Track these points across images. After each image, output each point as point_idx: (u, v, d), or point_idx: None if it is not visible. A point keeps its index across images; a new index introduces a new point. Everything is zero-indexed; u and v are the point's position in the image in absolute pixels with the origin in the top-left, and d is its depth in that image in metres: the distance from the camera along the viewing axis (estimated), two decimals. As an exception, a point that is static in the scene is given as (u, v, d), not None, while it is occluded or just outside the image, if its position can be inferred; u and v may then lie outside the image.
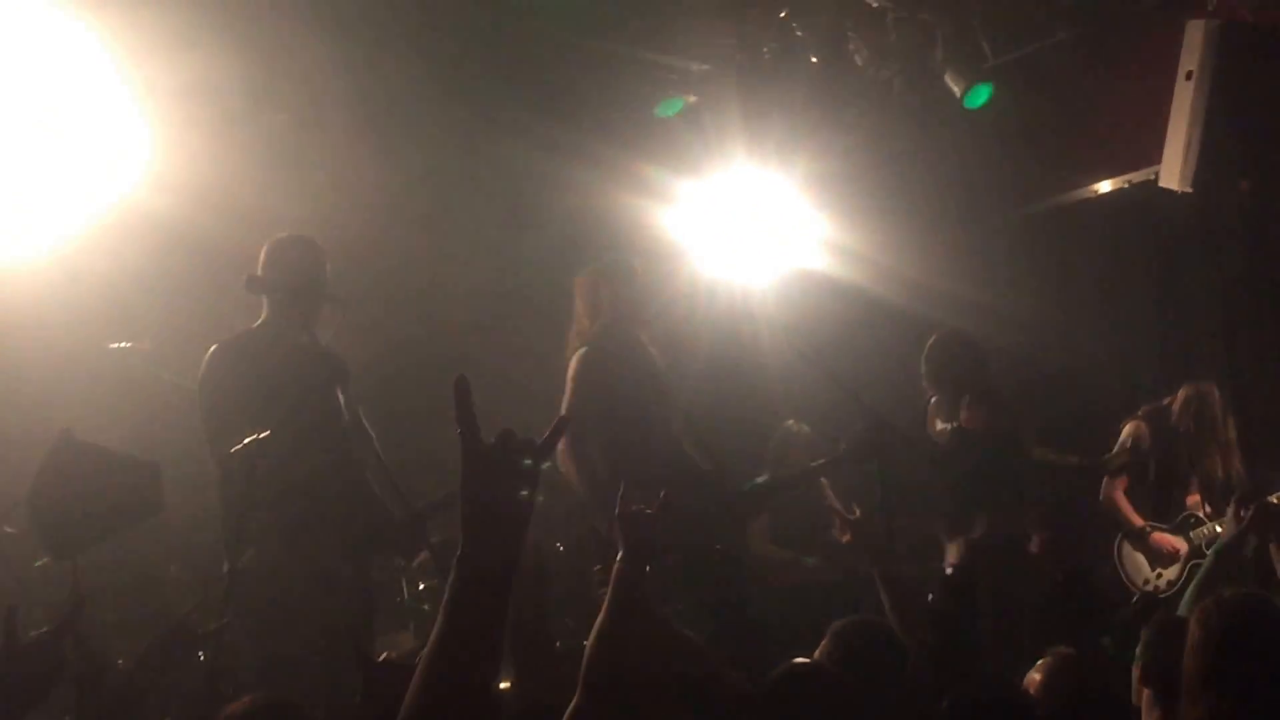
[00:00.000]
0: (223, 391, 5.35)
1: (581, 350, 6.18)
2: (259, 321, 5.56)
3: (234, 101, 6.83)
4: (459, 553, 2.09)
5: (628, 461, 5.84)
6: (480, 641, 2.08)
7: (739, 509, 6.46)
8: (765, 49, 8.41)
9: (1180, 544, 7.03)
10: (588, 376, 6.11)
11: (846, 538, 5.06)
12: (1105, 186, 8.32)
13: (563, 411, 5.95)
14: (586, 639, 3.66)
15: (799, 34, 8.16)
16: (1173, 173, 6.90)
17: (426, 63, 7.65)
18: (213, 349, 5.46)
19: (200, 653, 4.97)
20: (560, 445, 5.78)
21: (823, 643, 4.06)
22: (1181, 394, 7.14)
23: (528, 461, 2.13)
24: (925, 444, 6.88)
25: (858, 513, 5.04)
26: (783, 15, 8.10)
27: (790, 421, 8.00)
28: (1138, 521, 7.14)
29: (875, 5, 8.10)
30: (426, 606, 6.65)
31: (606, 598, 3.34)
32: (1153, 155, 7.24)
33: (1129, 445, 7.15)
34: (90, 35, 6.10)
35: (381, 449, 5.44)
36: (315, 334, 5.51)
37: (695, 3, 8.05)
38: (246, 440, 4.98)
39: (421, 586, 6.75)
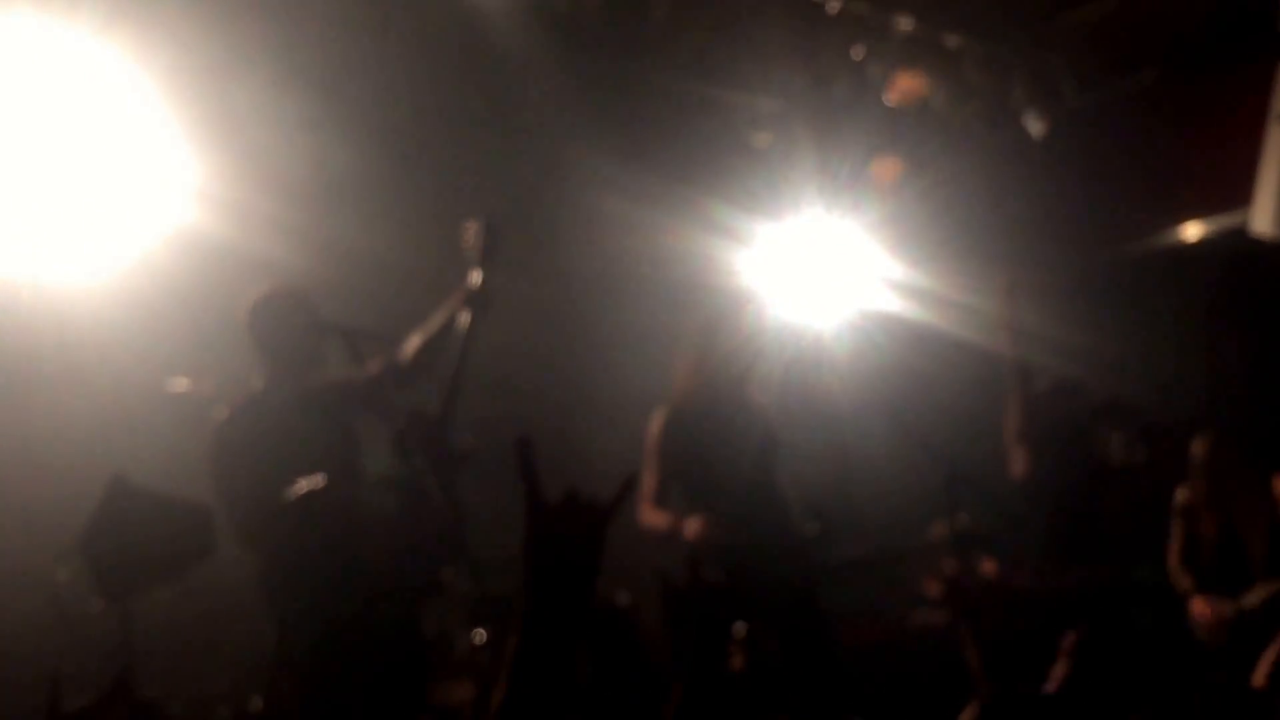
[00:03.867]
0: (237, 463, 5.14)
1: (660, 410, 6.06)
2: (263, 383, 5.37)
3: (296, 130, 6.79)
4: (523, 613, 2.03)
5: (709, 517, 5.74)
6: (546, 705, 2.00)
7: (833, 575, 6.33)
8: (838, 88, 8.30)
9: (1221, 609, 6.80)
10: (660, 440, 6.00)
11: (935, 590, 4.91)
12: (1193, 230, 8.12)
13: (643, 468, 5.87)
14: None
15: (872, 74, 8.04)
16: (1265, 217, 6.74)
17: (493, 97, 7.60)
18: (221, 421, 5.26)
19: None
20: (643, 503, 5.71)
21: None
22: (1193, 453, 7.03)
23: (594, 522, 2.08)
24: (1000, 494, 6.75)
25: (950, 570, 4.88)
26: (856, 56, 7.97)
27: None
28: (1182, 584, 6.96)
29: (952, 46, 7.96)
30: (486, 656, 6.55)
31: (685, 667, 3.23)
32: (1242, 199, 7.07)
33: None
34: (148, 65, 6.10)
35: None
36: (316, 375, 5.37)
37: (767, 40, 7.93)
38: (300, 488, 4.90)
39: (481, 639, 6.64)
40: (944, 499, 6.02)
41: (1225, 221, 7.79)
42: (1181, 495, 7.09)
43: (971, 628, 4.70)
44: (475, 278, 5.16)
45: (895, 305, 8.42)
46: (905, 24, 7.81)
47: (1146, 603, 6.80)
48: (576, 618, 2.04)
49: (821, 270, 8.36)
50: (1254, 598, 6.62)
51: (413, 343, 5.33)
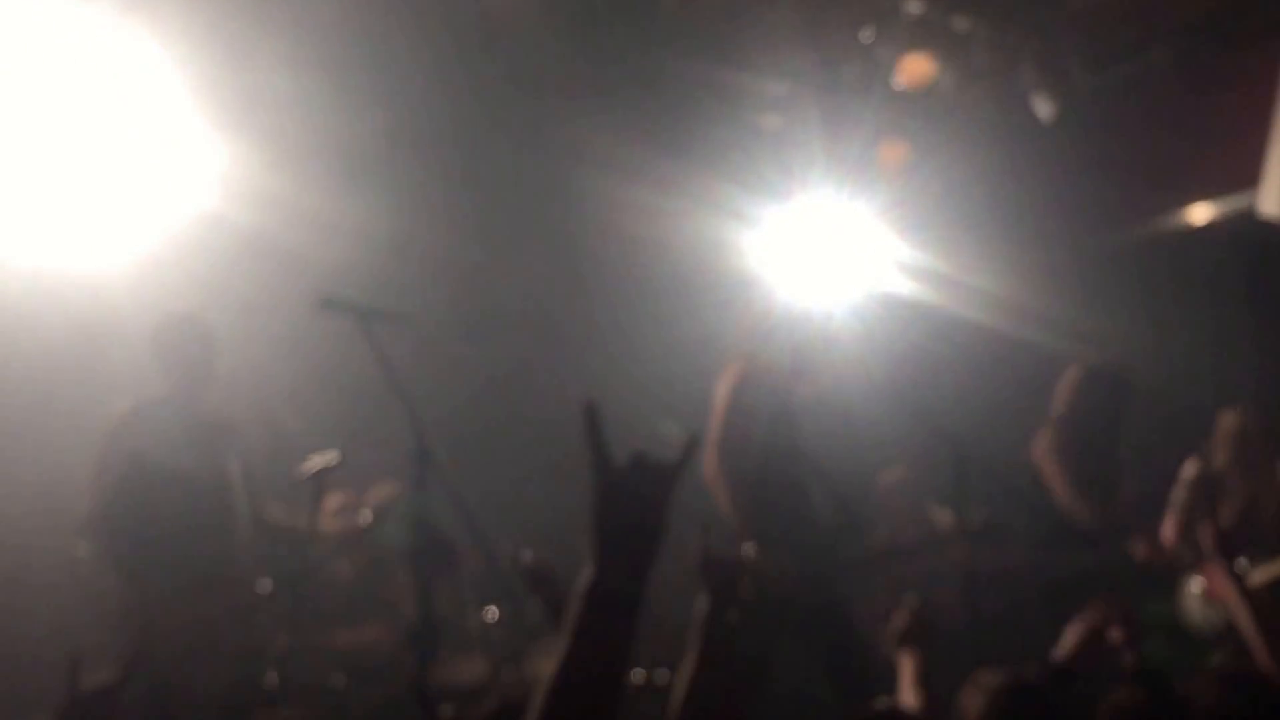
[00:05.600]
0: (120, 455, 5.55)
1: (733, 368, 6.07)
2: (164, 392, 5.75)
3: (315, 114, 6.81)
4: (590, 581, 2.02)
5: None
6: (608, 672, 2.00)
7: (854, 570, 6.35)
8: (847, 71, 8.30)
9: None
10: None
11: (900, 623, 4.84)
12: (1201, 211, 8.13)
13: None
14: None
15: (881, 57, 8.04)
16: (1272, 199, 6.74)
17: (509, 82, 7.62)
18: (123, 412, 5.66)
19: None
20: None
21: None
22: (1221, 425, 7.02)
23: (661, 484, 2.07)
24: (1010, 477, 6.75)
25: (913, 604, 4.81)
26: (865, 39, 7.97)
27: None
28: (1184, 557, 6.95)
29: (960, 29, 7.96)
30: (496, 633, 6.57)
31: (694, 649, 3.24)
32: (1250, 181, 7.08)
33: None
34: (165, 49, 6.13)
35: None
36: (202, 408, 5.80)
37: (776, 23, 7.93)
38: (315, 465, 4.98)
39: (493, 616, 6.66)
40: (954, 482, 6.03)
41: (1233, 204, 7.79)
42: (1192, 468, 7.05)
43: (926, 665, 4.63)
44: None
45: (904, 288, 8.43)
46: (914, 7, 7.82)
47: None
48: (642, 585, 2.04)
49: (830, 253, 8.36)
50: (1261, 575, 6.63)
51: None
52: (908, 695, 4.12)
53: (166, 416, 5.66)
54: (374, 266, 6.66)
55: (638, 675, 6.70)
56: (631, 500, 2.04)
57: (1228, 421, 7.04)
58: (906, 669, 4.18)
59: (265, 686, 5.48)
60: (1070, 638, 4.31)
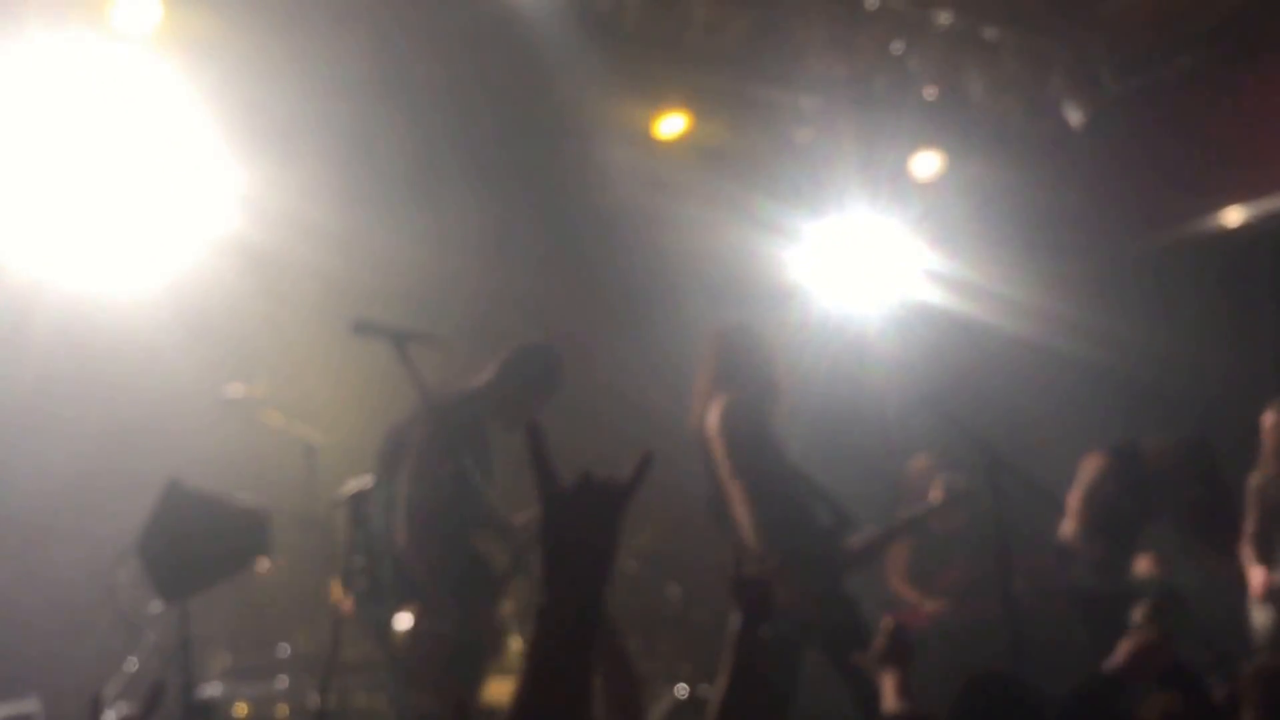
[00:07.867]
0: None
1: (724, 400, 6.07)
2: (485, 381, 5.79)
3: (342, 140, 6.88)
4: (541, 605, 1.97)
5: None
6: (566, 699, 1.94)
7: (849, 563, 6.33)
8: (879, 83, 8.31)
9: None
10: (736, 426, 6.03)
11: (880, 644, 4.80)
12: (1233, 216, 8.08)
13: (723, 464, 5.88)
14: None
15: (912, 67, 8.05)
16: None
17: (537, 100, 7.67)
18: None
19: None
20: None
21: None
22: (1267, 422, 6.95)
23: (610, 504, 2.01)
24: (1043, 482, 6.71)
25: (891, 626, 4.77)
26: (896, 50, 7.98)
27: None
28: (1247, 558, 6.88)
29: (990, 38, 7.97)
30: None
31: (727, 664, 3.28)
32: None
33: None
34: (195, 77, 6.22)
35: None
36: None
37: (807, 37, 7.95)
38: (351, 489, 5.04)
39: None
40: (987, 485, 6.01)
41: (1266, 206, 7.76)
42: (1256, 479, 6.99)
43: (906, 681, 4.62)
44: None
45: (938, 297, 8.44)
46: (944, 18, 7.83)
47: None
48: (594, 607, 1.98)
49: (865, 263, 8.38)
50: None
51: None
52: (891, 708, 4.15)
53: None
54: (397, 288, 6.73)
55: (681, 691, 6.78)
56: (578, 521, 1.99)
57: (1273, 419, 6.97)
58: (889, 686, 4.21)
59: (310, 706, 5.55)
60: (1124, 649, 4.32)
